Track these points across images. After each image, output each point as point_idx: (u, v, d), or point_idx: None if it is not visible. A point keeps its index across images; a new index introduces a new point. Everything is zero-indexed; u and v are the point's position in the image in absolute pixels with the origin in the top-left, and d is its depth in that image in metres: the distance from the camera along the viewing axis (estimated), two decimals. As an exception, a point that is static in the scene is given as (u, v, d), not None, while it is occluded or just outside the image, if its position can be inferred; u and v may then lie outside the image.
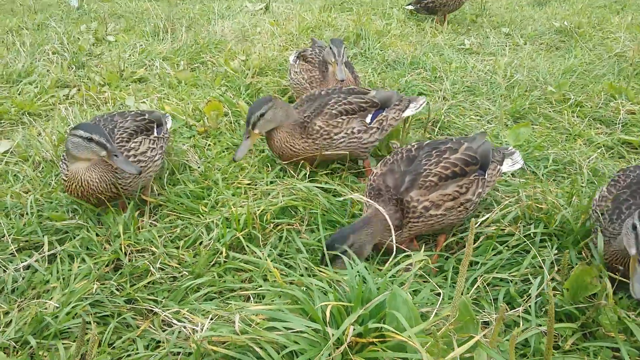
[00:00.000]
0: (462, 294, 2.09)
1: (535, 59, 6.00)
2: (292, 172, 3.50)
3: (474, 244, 2.79)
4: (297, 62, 4.54)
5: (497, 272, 2.59)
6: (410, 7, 7.45)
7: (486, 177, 2.91)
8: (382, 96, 3.66)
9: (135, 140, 3.15)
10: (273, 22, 7.03)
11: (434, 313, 2.11)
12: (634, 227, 2.19)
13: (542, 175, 3.62)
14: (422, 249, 2.51)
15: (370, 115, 3.56)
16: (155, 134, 3.34)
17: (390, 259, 2.49)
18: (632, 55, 5.78)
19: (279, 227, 2.93)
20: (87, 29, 7.01)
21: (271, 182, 3.36)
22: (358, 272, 2.28)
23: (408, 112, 3.81)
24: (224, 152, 3.87)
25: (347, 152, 3.51)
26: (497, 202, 3.04)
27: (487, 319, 2.32)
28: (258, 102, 3.31)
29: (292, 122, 3.40)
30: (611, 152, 4.06)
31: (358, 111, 3.51)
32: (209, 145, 3.97)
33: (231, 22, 7.25)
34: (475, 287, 2.45)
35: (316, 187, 3.20)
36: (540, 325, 2.24)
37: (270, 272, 2.52)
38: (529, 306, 2.34)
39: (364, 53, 6.08)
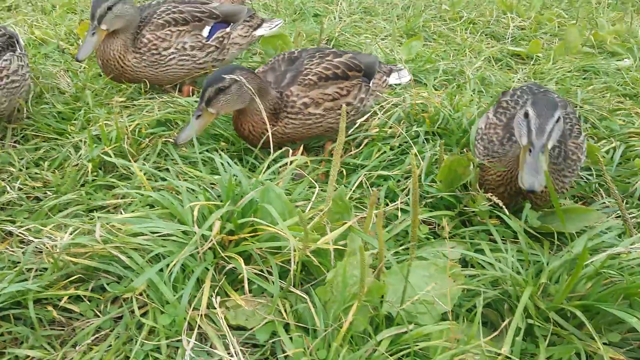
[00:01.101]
0: (336, 187, 2.03)
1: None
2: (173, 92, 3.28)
3: (358, 148, 2.74)
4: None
5: (380, 171, 2.56)
6: None
7: (371, 85, 2.85)
8: (227, 9, 3.22)
9: (5, 58, 2.80)
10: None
11: (309, 206, 2.03)
12: (526, 115, 2.03)
13: (433, 86, 3.61)
14: (301, 151, 2.42)
15: (208, 28, 3.14)
16: (19, 50, 2.99)
17: (270, 158, 2.36)
18: (523, -24, 5.88)
19: (153, 139, 2.73)
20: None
21: (150, 99, 3.12)
22: (234, 176, 2.15)
23: (260, 31, 3.43)
24: (100, 75, 3.55)
25: (181, 75, 3.14)
26: (381, 107, 2.98)
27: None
28: None
29: (132, 31, 2.98)
30: (500, 64, 4.13)
31: (191, 21, 3.08)
32: (84, 67, 3.63)
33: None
34: (356, 184, 2.39)
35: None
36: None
37: (143, 184, 2.34)
38: (409, 199, 2.32)
39: (258, -23, 5.78)
